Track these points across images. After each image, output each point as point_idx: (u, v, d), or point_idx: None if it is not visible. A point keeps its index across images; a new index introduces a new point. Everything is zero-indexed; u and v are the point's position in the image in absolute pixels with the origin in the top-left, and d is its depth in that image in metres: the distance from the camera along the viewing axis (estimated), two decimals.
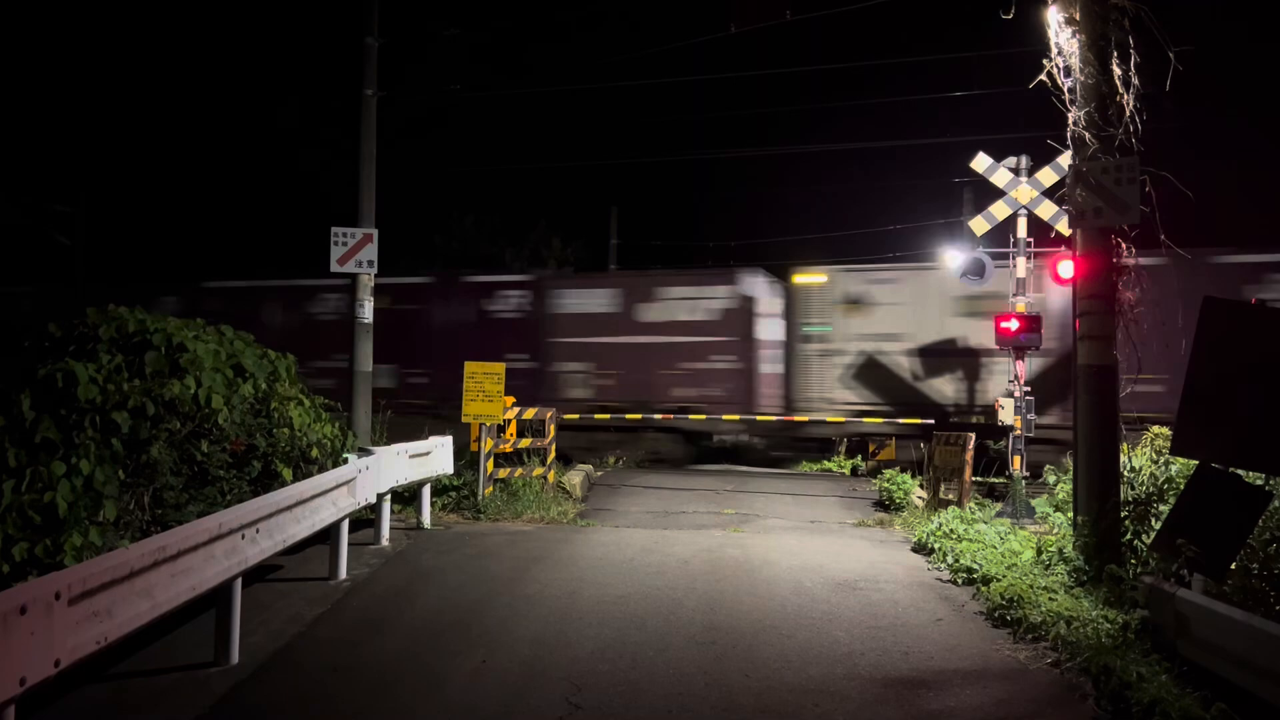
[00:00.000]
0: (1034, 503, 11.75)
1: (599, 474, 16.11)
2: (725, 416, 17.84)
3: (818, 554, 9.73)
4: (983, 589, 7.98)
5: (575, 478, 14.21)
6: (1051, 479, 13.02)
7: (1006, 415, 12.01)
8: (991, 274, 13.33)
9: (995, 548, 9.21)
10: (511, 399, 13.20)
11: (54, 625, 4.14)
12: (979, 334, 16.70)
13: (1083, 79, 8.50)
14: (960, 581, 8.50)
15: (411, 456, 10.29)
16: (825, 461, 18.85)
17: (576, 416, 17.91)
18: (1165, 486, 7.99)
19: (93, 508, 6.71)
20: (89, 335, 8.09)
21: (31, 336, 8.20)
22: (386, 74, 14.02)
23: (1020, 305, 12.22)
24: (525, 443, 13.34)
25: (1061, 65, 8.80)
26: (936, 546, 9.59)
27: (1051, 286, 15.58)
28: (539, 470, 13.10)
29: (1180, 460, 7.75)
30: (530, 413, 13.66)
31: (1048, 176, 12.05)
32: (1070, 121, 8.66)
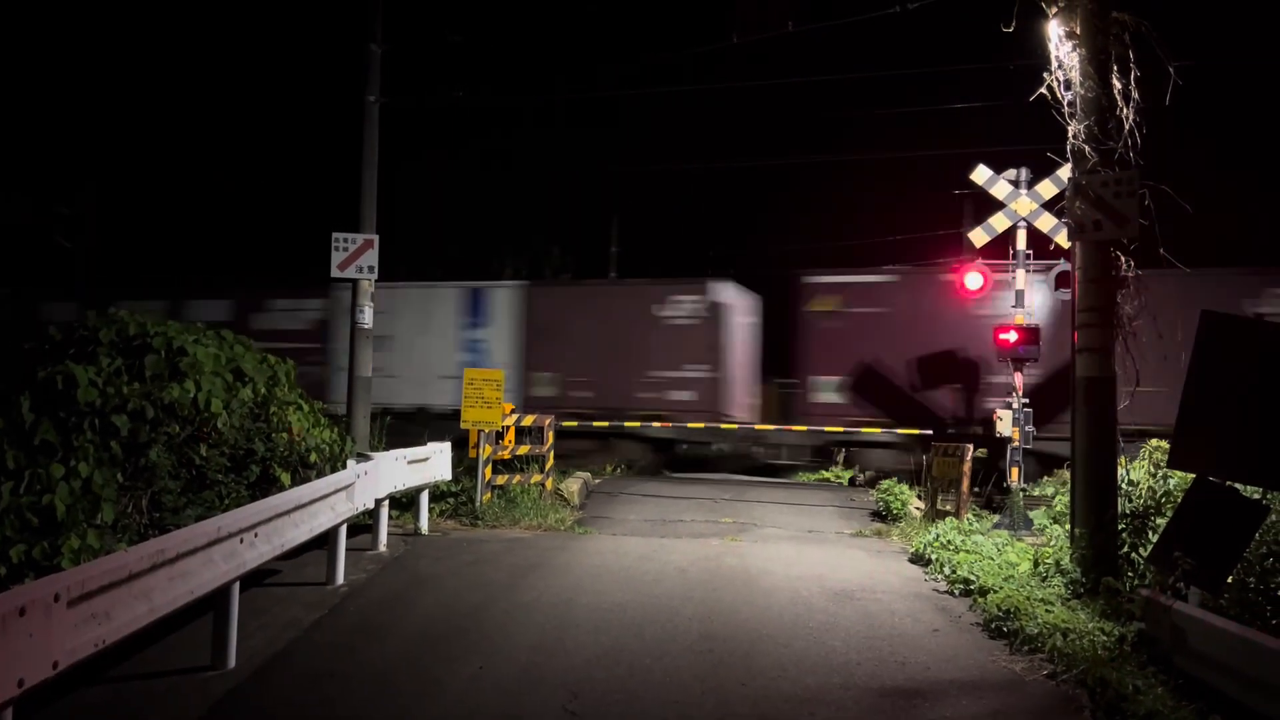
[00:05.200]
0: (1032, 514, 11.76)
1: (596, 481, 16.11)
2: None
3: (815, 563, 9.73)
4: (979, 600, 7.98)
5: (573, 485, 14.21)
6: (1050, 490, 13.03)
7: (1004, 427, 12.02)
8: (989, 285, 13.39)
9: (992, 559, 9.21)
10: (510, 405, 13.19)
11: (52, 627, 4.15)
12: None
13: (1083, 92, 8.54)
14: (957, 592, 8.50)
15: (410, 462, 10.29)
16: (823, 471, 18.85)
17: None
18: (1163, 500, 8.01)
19: (91, 510, 6.71)
20: (89, 338, 8.11)
21: (32, 339, 8.22)
22: (391, 80, 14.07)
23: (1019, 317, 12.24)
24: (524, 449, 13.35)
25: (1062, 79, 8.83)
26: (934, 557, 9.59)
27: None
28: (537, 477, 13.10)
29: (1178, 473, 7.76)
30: (529, 419, 13.67)
31: (1047, 189, 12.08)
32: (1070, 134, 8.69)
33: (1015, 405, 12.01)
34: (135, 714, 5.26)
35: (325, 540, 8.12)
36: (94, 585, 4.54)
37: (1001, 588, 7.97)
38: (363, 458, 9.30)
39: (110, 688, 5.57)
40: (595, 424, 17.80)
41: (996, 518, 11.78)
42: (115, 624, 4.71)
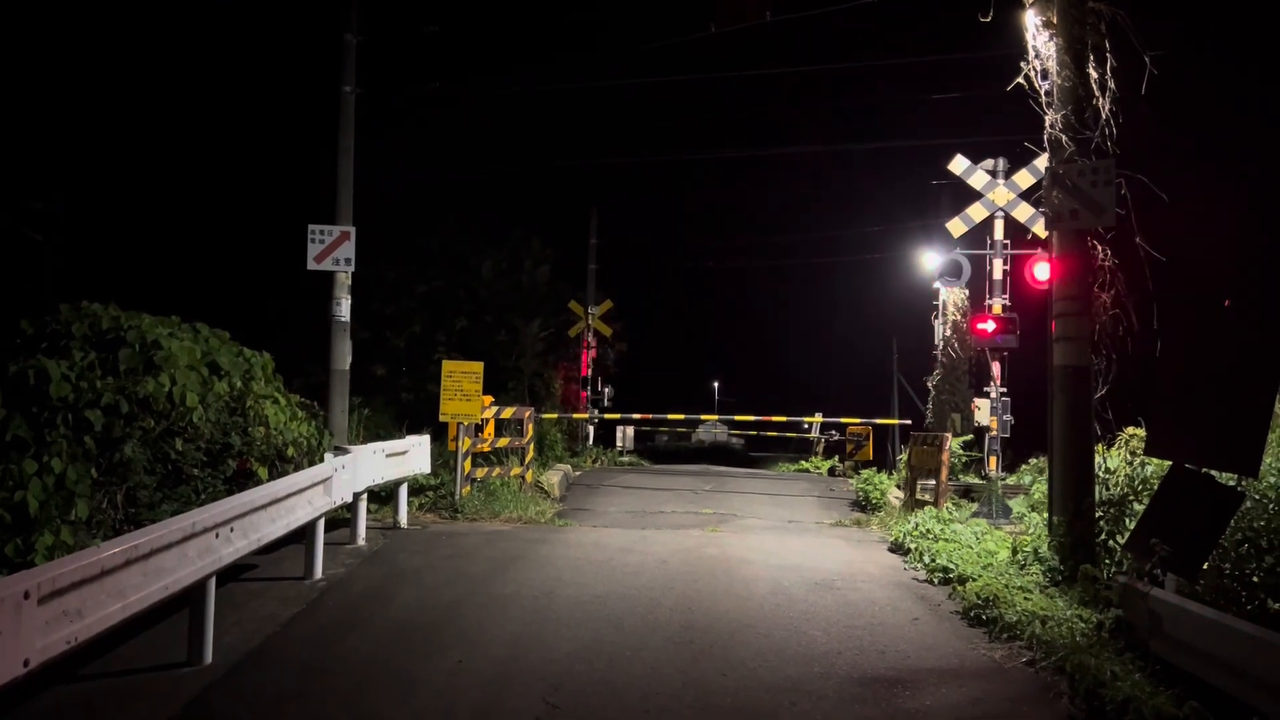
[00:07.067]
0: (1010, 503, 11.83)
1: (577, 474, 16.10)
2: None
3: (795, 554, 9.75)
4: (959, 588, 8.02)
5: (553, 477, 14.19)
6: (1028, 479, 13.11)
7: (982, 416, 12.09)
8: (968, 275, 13.42)
9: (971, 548, 9.26)
10: (490, 398, 13.14)
11: (23, 625, 4.08)
12: None
13: (1060, 82, 8.56)
14: (936, 581, 8.54)
15: (388, 455, 10.23)
16: (803, 462, 18.93)
17: None
18: (1139, 487, 8.04)
19: (64, 507, 6.63)
20: (62, 332, 8.00)
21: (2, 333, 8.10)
22: (367, 72, 13.94)
23: (996, 306, 12.30)
24: (503, 442, 13.30)
25: (1039, 68, 8.86)
26: (913, 546, 9.63)
27: None
28: (517, 470, 13.07)
29: (1154, 461, 7.81)
30: (508, 412, 13.62)
31: (1025, 179, 12.14)
32: (1047, 124, 8.71)
33: (993, 394, 12.08)
34: (109, 712, 5.20)
35: (303, 534, 8.06)
36: (65, 582, 4.48)
37: (980, 576, 8.01)
38: (340, 451, 9.23)
39: (84, 685, 5.50)
40: None
41: (975, 506, 11.84)
42: (88, 621, 4.65)
